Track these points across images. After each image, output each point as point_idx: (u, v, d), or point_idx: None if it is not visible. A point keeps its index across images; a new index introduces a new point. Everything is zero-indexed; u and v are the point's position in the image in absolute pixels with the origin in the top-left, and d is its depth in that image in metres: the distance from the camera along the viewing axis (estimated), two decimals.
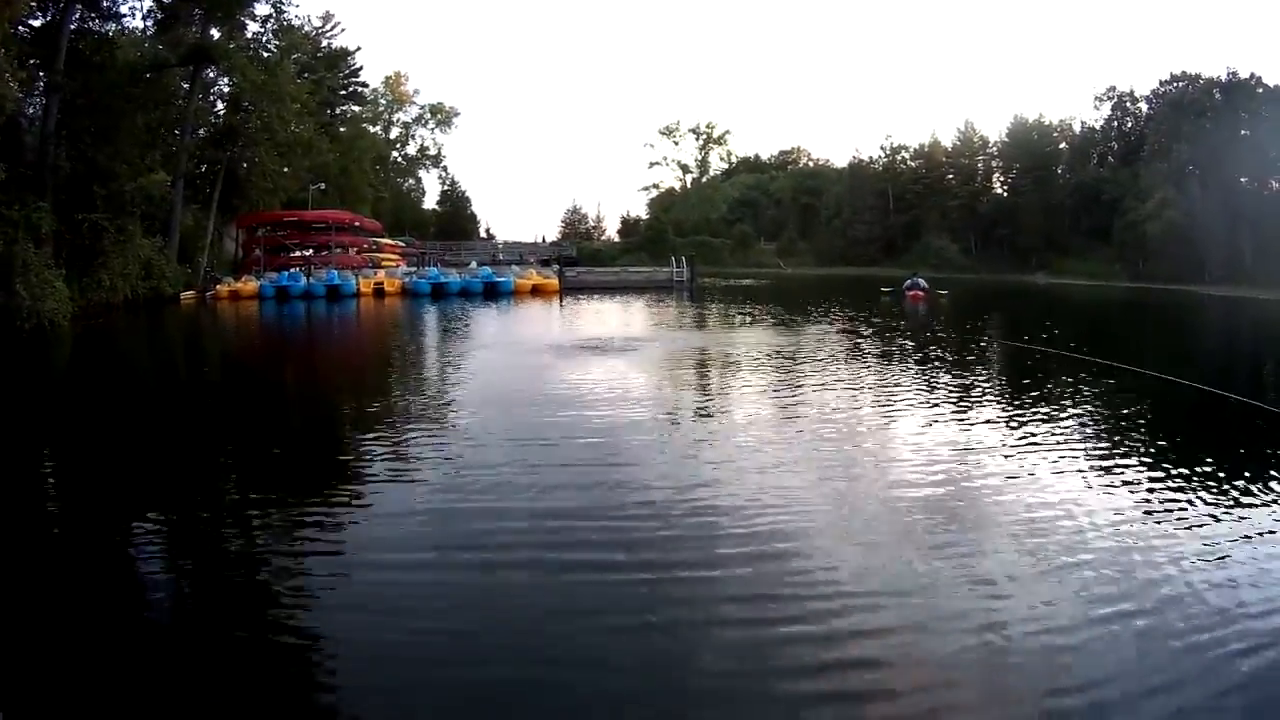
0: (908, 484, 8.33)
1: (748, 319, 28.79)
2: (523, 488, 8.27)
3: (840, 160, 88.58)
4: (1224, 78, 51.29)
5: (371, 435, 10.96)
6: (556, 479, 8.59)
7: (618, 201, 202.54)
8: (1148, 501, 7.87)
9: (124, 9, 35.69)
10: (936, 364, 17.38)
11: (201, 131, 40.68)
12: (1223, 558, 6.42)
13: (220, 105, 42.34)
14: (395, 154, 79.37)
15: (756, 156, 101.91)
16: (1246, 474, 8.71)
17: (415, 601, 5.74)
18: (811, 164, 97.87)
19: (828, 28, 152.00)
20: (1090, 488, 8.30)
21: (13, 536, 7.32)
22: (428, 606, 5.67)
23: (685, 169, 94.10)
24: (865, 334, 23.62)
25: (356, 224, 53.61)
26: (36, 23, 29.01)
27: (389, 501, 8.03)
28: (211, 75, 39.88)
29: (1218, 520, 7.30)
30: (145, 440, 11.08)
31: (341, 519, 7.49)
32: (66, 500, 8.94)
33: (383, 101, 74.92)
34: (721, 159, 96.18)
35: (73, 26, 29.55)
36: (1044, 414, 12.05)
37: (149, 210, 32.67)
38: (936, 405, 12.70)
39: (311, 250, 48.51)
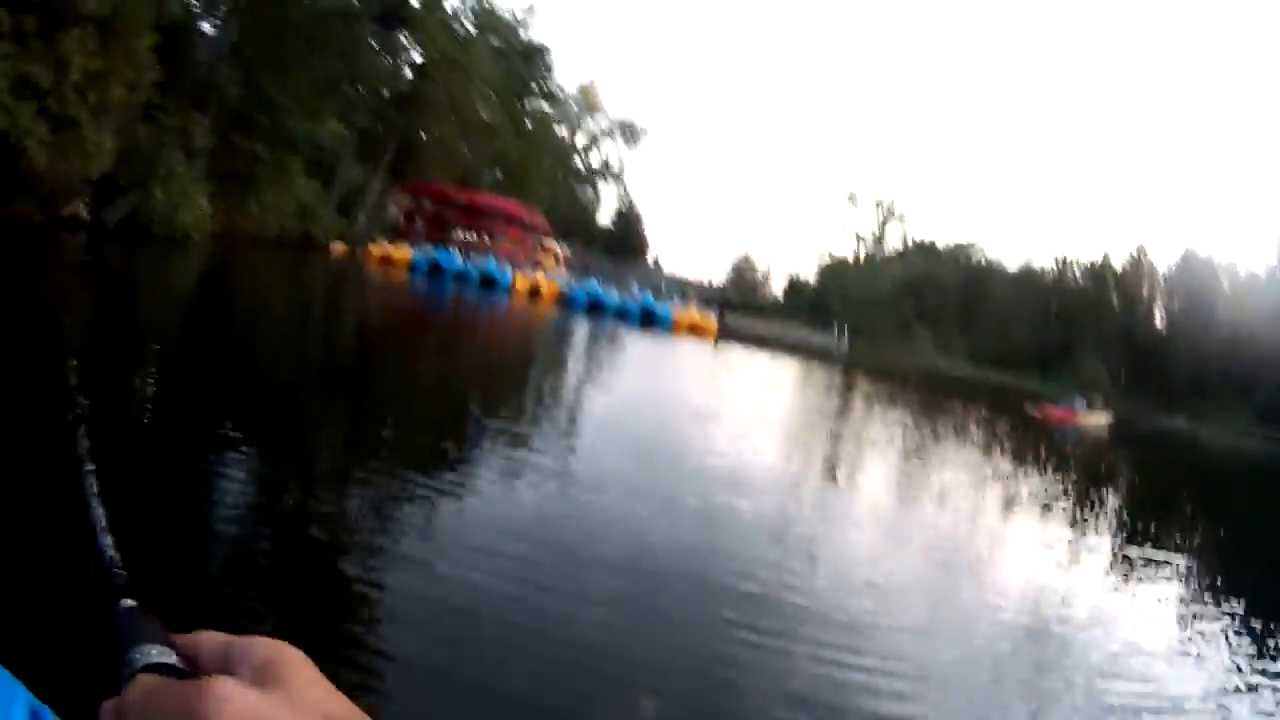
0: (1008, 611, 7.14)
1: (893, 403, 26.36)
2: (620, 527, 7.16)
3: (1011, 262, 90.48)
4: None
5: (483, 435, 9.80)
6: (656, 522, 7.45)
7: (789, 260, 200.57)
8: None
9: None
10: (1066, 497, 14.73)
11: (385, 93, 40.72)
12: None
13: (408, 72, 42.30)
14: (578, 161, 79.68)
15: (932, 243, 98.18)
16: None
17: (481, 614, 4.75)
18: (984, 261, 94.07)
19: (1023, 131, 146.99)
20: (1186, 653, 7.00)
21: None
22: (490, 624, 4.66)
23: (861, 240, 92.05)
24: (1006, 446, 20.97)
25: (525, 219, 52.49)
26: None
27: (482, 504, 6.94)
28: (403, 40, 39.94)
29: None
30: (248, 381, 10.22)
31: (429, 508, 6.44)
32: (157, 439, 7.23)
33: (575, 106, 75.31)
34: (897, 237, 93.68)
35: None
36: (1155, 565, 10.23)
37: (315, 156, 32.58)
38: (1058, 533, 11.27)
39: (474, 234, 47.99)
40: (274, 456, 7.16)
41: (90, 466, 0.52)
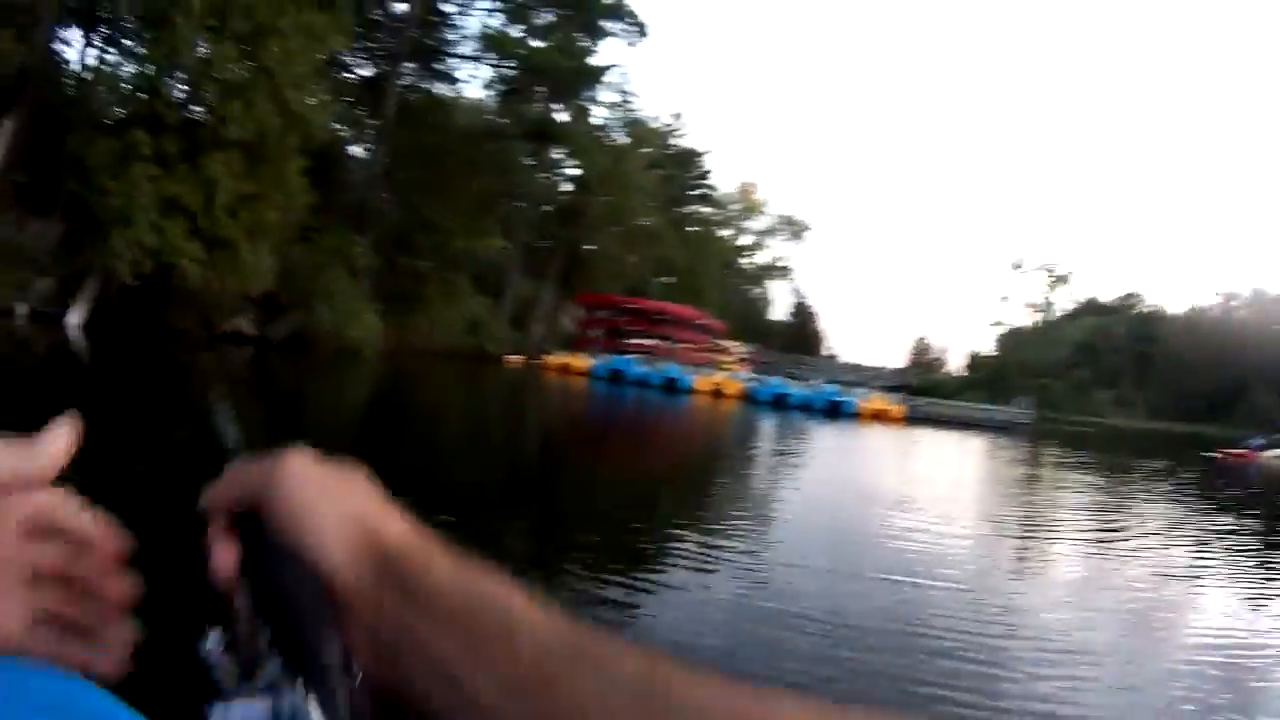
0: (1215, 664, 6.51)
1: (1079, 467, 25.27)
2: (818, 607, 6.90)
3: (1176, 305, 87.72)
4: None
5: (680, 528, 9.46)
6: (853, 600, 7.23)
7: (966, 335, 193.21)
8: None
9: (461, 74, 37.51)
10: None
11: (547, 207, 41.32)
12: None
13: (566, 185, 43.01)
14: (744, 260, 78.94)
15: (1098, 301, 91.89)
16: None
17: None
18: (1148, 309, 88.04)
19: (1166, 166, 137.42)
20: None
21: None
22: None
23: (1032, 307, 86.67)
24: (1193, 494, 20.46)
25: (700, 322, 52.34)
26: (366, 72, 30.70)
27: (681, 595, 6.82)
28: (556, 155, 40.61)
29: None
30: (437, 479, 10.11)
31: (625, 598, 6.40)
32: None
33: (734, 207, 75.10)
34: (1066, 298, 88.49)
35: (404, 83, 30.78)
36: None
37: (481, 271, 32.85)
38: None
39: (651, 340, 47.68)
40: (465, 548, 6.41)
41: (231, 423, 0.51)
